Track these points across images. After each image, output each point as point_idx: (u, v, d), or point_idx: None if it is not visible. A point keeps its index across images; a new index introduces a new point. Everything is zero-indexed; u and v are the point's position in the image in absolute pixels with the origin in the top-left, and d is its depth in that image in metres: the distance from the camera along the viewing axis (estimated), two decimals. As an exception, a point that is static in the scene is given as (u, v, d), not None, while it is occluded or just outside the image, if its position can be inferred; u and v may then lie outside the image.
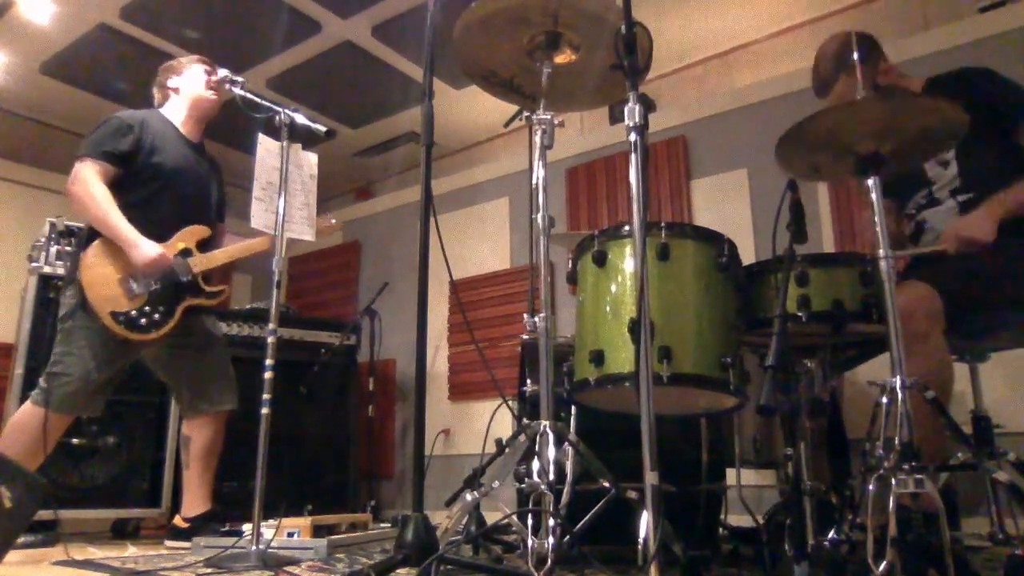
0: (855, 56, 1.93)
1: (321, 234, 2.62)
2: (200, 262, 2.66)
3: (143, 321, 2.54)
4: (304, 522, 2.40)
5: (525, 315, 1.87)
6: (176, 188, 2.69)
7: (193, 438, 2.70)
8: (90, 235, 2.57)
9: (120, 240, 2.50)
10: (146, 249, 2.51)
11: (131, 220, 2.51)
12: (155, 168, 2.64)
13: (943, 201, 2.15)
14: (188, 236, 2.68)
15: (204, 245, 2.72)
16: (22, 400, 2.83)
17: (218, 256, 2.72)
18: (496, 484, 1.66)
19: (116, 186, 2.56)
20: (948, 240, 1.91)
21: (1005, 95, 2.07)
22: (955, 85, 2.12)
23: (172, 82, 2.83)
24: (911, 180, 2.20)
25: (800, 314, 1.71)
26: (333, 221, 2.74)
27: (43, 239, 3.17)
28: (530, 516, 1.56)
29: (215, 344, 2.79)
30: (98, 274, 2.51)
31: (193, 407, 2.70)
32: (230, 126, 3.02)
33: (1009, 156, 2.04)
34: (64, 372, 2.47)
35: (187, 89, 2.81)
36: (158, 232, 2.57)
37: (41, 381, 2.52)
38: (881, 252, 1.58)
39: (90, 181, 2.51)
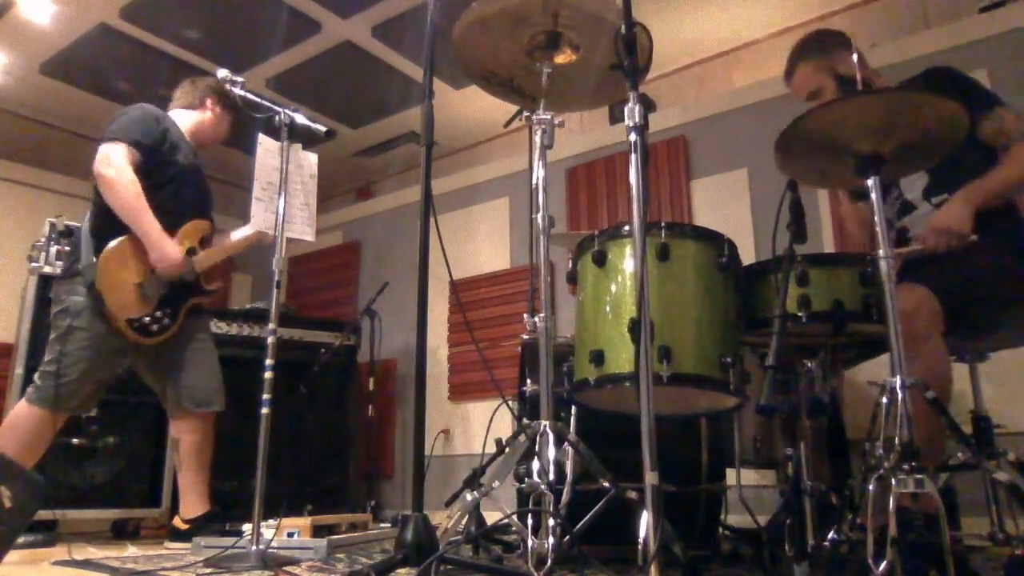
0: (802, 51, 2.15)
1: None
2: (203, 260, 2.67)
3: (154, 327, 2.57)
4: (304, 522, 2.40)
5: (525, 315, 1.87)
6: (185, 188, 2.71)
7: (182, 440, 2.70)
8: (96, 231, 2.56)
9: (145, 235, 2.51)
10: (171, 251, 2.53)
11: None
12: (172, 166, 2.66)
13: (918, 205, 2.16)
14: (192, 233, 2.69)
15: (203, 242, 2.74)
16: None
17: (219, 253, 2.73)
18: (496, 484, 1.66)
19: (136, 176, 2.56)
20: (927, 237, 1.91)
21: (966, 91, 2.08)
22: (922, 86, 2.14)
23: (212, 104, 2.89)
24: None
25: (800, 314, 1.71)
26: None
27: (43, 239, 3.18)
28: (530, 516, 1.56)
29: (203, 344, 2.77)
30: (117, 280, 2.51)
31: (178, 406, 2.68)
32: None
33: (975, 152, 2.05)
34: (60, 372, 2.47)
35: (211, 124, 2.89)
36: (167, 228, 2.58)
37: (36, 379, 2.51)
38: (881, 252, 1.57)
39: (123, 167, 2.50)
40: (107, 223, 2.53)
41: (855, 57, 1.83)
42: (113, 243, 2.51)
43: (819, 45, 2.27)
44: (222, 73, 2.63)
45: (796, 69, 2.29)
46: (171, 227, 2.60)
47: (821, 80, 2.23)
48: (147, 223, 2.51)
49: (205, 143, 2.92)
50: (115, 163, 2.49)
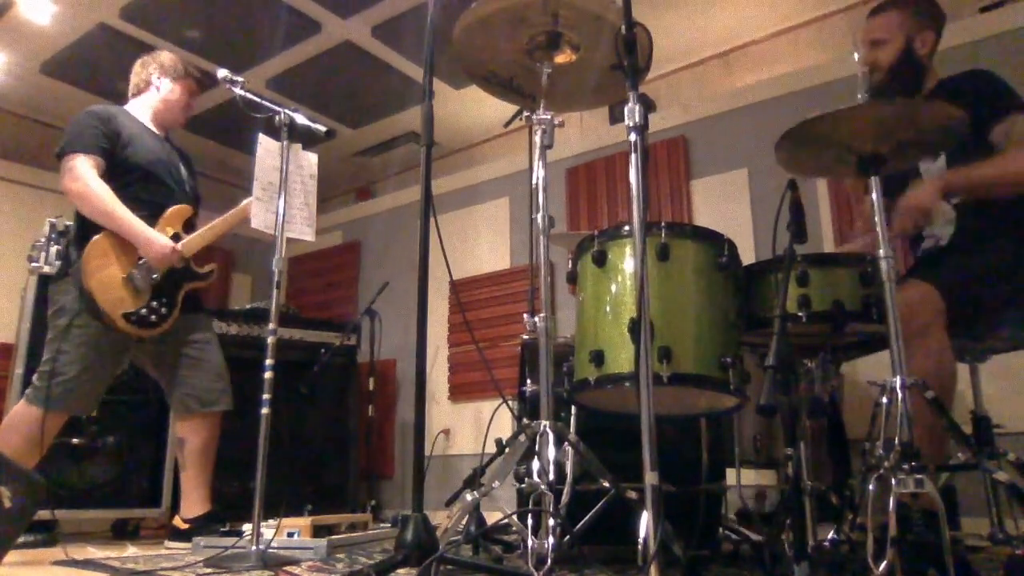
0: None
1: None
2: (191, 245, 2.66)
3: (153, 317, 2.56)
4: (304, 522, 2.40)
5: (525, 315, 1.87)
6: (153, 179, 2.69)
7: (187, 439, 2.69)
8: (82, 232, 2.56)
9: (129, 234, 2.51)
10: (159, 242, 2.53)
11: None
12: (131, 160, 2.64)
13: None
14: (174, 219, 2.68)
15: (188, 227, 2.72)
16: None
17: (206, 234, 2.69)
18: (496, 484, 1.66)
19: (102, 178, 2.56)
20: (894, 221, 1.90)
21: (995, 93, 2.08)
22: (961, 85, 2.14)
23: (157, 81, 2.84)
24: (901, 172, 2.21)
25: (800, 314, 1.71)
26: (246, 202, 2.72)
27: (43, 239, 3.17)
28: (530, 516, 1.56)
29: (207, 343, 2.77)
30: (104, 277, 2.51)
31: (184, 406, 2.68)
32: (230, 126, 3.02)
33: (987, 151, 2.05)
34: (60, 371, 2.47)
35: (165, 100, 2.84)
36: (146, 222, 2.57)
37: (35, 379, 2.52)
38: (881, 252, 1.58)
39: (89, 176, 2.51)
40: (89, 224, 2.54)
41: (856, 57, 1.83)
42: (91, 244, 2.51)
43: (921, 6, 2.22)
44: (222, 73, 2.63)
45: (885, 11, 2.23)
46: (150, 220, 2.60)
47: (894, 36, 2.17)
48: (126, 223, 2.51)
49: (168, 122, 2.86)
50: (80, 175, 2.50)
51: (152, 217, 2.62)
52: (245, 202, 2.61)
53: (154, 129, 2.82)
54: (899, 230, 1.91)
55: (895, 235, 1.91)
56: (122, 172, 2.62)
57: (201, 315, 2.80)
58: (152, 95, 2.85)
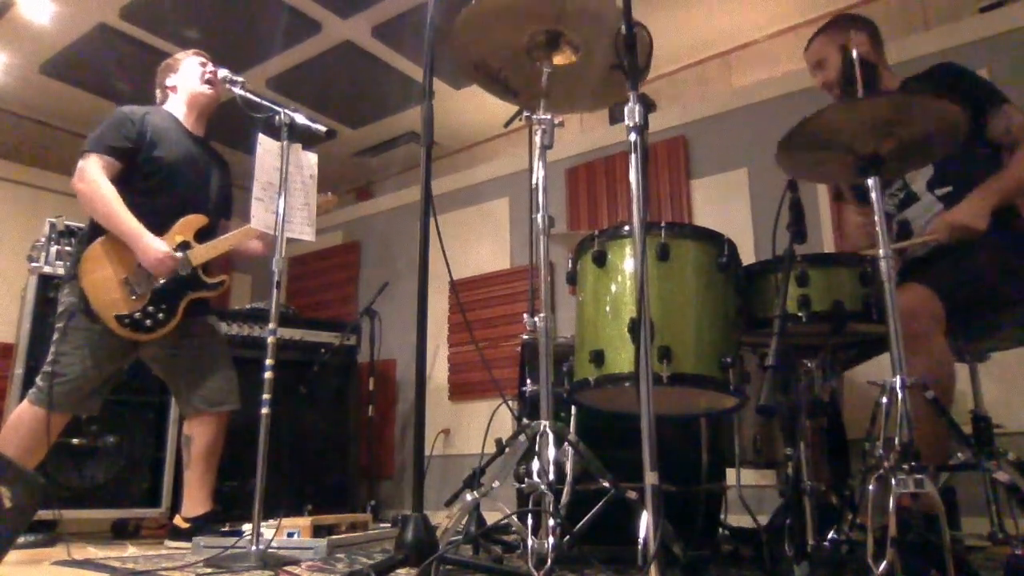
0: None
1: (322, 208, 2.62)
2: (199, 254, 2.65)
3: (148, 322, 2.55)
4: (304, 522, 2.40)
5: (525, 315, 1.87)
6: (177, 181, 2.67)
7: (194, 438, 2.70)
8: (91, 234, 2.57)
9: (127, 237, 2.51)
10: (154, 248, 2.51)
11: (132, 212, 2.52)
12: (156, 162, 2.63)
13: (921, 196, 2.16)
14: (185, 227, 2.66)
15: (202, 236, 2.69)
16: (22, 400, 2.84)
17: (218, 245, 2.69)
18: (496, 484, 1.66)
19: (118, 180, 2.56)
20: (941, 230, 1.92)
21: (974, 88, 2.10)
22: (928, 83, 2.15)
23: (170, 80, 2.83)
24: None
25: (800, 314, 1.71)
26: (330, 195, 2.71)
27: (43, 239, 3.18)
28: (530, 516, 1.56)
29: (214, 344, 2.78)
30: (99, 278, 2.51)
31: (192, 407, 2.69)
32: (230, 126, 3.02)
33: (981, 147, 2.07)
34: (61, 372, 2.47)
35: (184, 85, 2.81)
36: (156, 224, 2.57)
37: (38, 380, 2.53)
38: (881, 252, 1.57)
39: (96, 177, 2.51)
40: (98, 226, 2.55)
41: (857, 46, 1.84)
42: (91, 245, 2.53)
43: (839, 22, 2.34)
44: (222, 73, 2.63)
45: (814, 40, 2.37)
46: (164, 225, 2.60)
47: (830, 52, 2.29)
48: (127, 227, 2.50)
49: (203, 106, 2.82)
50: (87, 176, 2.51)
51: (168, 222, 2.61)
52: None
53: (191, 130, 2.80)
54: (943, 242, 1.94)
55: (934, 240, 1.96)
56: (146, 173, 2.61)
57: (209, 317, 2.80)
58: (176, 96, 2.83)
